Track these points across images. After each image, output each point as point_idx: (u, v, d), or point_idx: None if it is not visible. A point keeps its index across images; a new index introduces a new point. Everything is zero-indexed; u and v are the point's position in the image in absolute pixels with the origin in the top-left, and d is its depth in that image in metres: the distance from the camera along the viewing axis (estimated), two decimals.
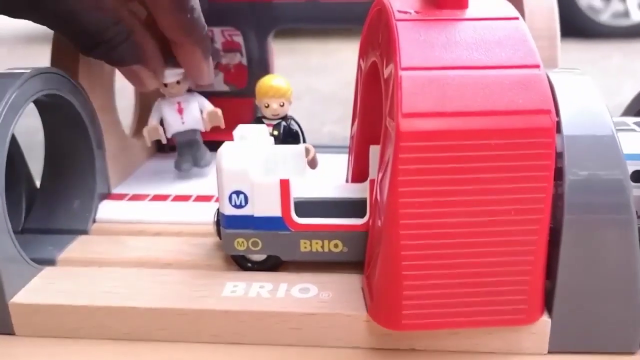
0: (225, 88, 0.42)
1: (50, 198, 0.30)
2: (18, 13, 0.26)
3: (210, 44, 0.30)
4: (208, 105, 0.33)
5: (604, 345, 0.21)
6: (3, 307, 0.23)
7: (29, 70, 0.25)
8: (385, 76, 0.21)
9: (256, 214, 0.24)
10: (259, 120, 0.31)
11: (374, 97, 0.26)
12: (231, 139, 0.25)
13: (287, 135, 0.30)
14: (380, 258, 0.20)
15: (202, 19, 0.28)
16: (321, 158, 0.32)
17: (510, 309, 0.20)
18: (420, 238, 0.19)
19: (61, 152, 0.30)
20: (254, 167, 0.23)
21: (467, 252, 0.19)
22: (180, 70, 0.32)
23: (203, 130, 0.34)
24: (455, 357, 0.21)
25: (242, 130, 0.26)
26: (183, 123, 0.33)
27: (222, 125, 0.33)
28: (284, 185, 0.23)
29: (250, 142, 0.25)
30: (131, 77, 0.29)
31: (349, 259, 0.24)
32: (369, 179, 0.23)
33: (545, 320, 0.21)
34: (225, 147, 0.24)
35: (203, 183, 0.34)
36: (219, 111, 0.33)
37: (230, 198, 0.24)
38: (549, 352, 0.21)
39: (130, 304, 0.22)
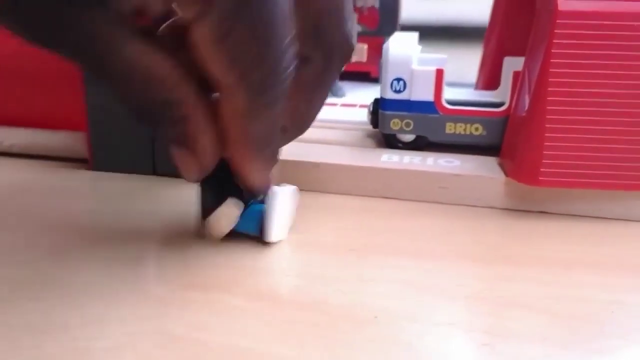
0: (357, 28, 0.47)
1: None
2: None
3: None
4: None
5: None
6: None
7: None
8: None
9: (412, 99, 0.29)
10: None
11: (516, 14, 0.30)
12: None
13: None
14: (527, 122, 0.24)
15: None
16: None
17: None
18: (565, 105, 0.23)
19: None
20: (415, 57, 0.28)
21: (606, 120, 0.23)
22: None
23: None
24: (581, 220, 0.25)
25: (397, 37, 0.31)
26: None
27: (365, 59, 0.39)
28: (439, 73, 0.28)
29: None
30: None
31: (486, 142, 0.29)
32: (512, 71, 0.27)
33: None
34: (392, 40, 0.29)
35: (344, 99, 0.39)
36: (365, 46, 0.39)
37: (391, 84, 0.29)
38: None
39: (306, 159, 0.28)
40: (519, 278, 0.21)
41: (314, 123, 0.35)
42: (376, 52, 0.45)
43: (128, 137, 0.29)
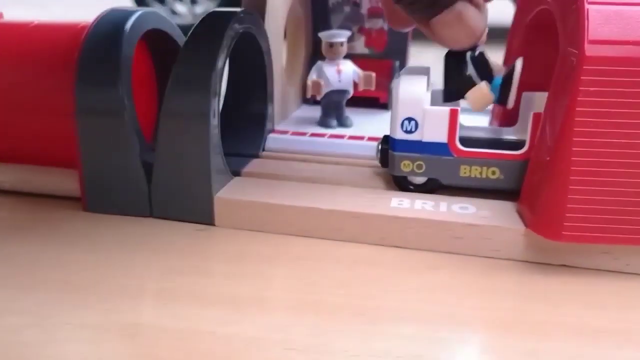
0: (365, 51, 0.45)
1: (233, 129, 0.34)
2: None
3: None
4: (360, 71, 0.37)
5: None
6: (210, 200, 0.27)
7: (239, 10, 0.30)
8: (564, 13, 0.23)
9: (424, 139, 0.27)
10: None
11: (535, 47, 0.28)
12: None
13: None
14: (549, 172, 0.23)
15: None
16: None
17: None
18: (591, 155, 0.21)
19: (242, 85, 0.34)
20: (426, 96, 0.27)
21: (634, 172, 0.21)
22: (348, 33, 0.36)
23: (352, 93, 0.38)
24: (605, 276, 0.23)
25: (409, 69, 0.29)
26: (340, 81, 0.37)
27: (373, 88, 0.37)
28: (453, 114, 0.26)
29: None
30: (452, 26, 0.20)
31: (504, 187, 0.27)
32: (532, 113, 0.26)
33: None
34: (403, 78, 0.27)
35: (352, 129, 0.37)
36: (373, 75, 0.37)
37: (402, 124, 0.27)
38: None
39: (313, 205, 0.26)
40: (542, 352, 0.19)
41: (323, 158, 0.34)
42: (385, 76, 0.44)
43: (123, 177, 0.28)
